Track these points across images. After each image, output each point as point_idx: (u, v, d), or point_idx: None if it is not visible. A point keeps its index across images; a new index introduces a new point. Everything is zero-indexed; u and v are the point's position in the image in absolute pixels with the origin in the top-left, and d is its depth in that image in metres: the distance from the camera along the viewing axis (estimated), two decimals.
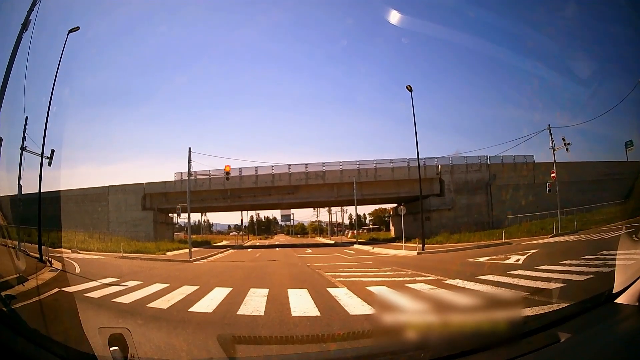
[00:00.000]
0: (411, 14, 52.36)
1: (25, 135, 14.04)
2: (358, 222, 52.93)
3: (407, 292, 7.34)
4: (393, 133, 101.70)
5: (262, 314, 5.72)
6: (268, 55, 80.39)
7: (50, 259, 12.79)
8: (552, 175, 24.13)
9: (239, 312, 5.87)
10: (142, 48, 72.09)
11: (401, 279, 9.41)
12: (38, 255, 12.56)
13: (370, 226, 73.39)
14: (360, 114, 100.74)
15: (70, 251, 20.16)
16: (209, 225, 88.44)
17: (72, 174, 70.70)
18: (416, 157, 22.00)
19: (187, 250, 21.01)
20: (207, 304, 6.57)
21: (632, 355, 1.82)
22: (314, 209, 68.34)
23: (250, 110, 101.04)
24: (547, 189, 23.84)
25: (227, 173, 22.31)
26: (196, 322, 5.37)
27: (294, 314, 5.72)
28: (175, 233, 43.63)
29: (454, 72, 67.62)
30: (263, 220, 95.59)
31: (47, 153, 14.41)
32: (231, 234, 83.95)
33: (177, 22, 67.71)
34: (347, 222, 77.05)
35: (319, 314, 5.65)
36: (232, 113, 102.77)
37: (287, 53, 79.09)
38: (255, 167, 33.52)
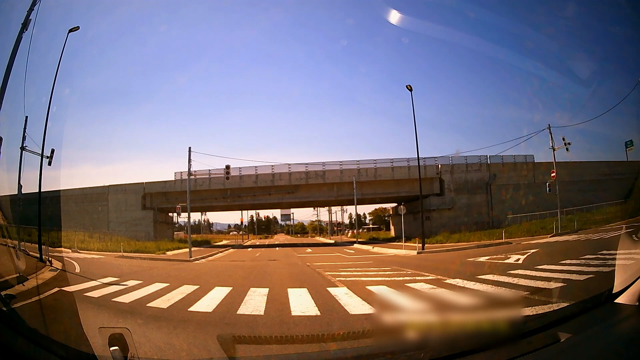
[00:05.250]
0: (411, 14, 52.28)
1: (25, 135, 14.07)
2: (358, 222, 52.95)
3: (407, 291, 7.34)
4: (393, 133, 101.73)
5: (262, 314, 5.72)
6: (268, 55, 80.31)
7: (50, 259, 12.79)
8: (552, 175, 24.13)
9: (239, 312, 5.88)
10: (142, 48, 71.98)
11: (401, 278, 9.41)
12: (38, 255, 12.56)
13: (370, 226, 73.42)
14: (360, 114, 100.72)
15: (70, 251, 20.18)
16: (209, 225, 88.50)
17: (72, 174, 70.78)
18: (416, 156, 22.02)
19: (187, 249, 21.02)
20: (207, 303, 6.57)
21: (632, 355, 1.82)
22: (314, 209, 68.41)
23: (251, 110, 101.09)
24: (547, 189, 23.85)
25: (227, 172, 22.35)
26: (196, 322, 5.37)
27: (294, 313, 5.72)
28: (175, 232, 43.67)
29: (454, 72, 67.55)
30: (263, 219, 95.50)
31: (47, 153, 14.43)
32: (231, 233, 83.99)
33: (177, 22, 67.58)
34: (347, 221, 77.15)
35: (319, 313, 5.65)
36: (232, 113, 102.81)
37: (287, 53, 78.98)
38: (255, 167, 33.57)
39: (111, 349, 2.20)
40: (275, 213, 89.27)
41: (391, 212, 47.50)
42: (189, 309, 6.14)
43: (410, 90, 21.73)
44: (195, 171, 23.61)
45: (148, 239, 30.27)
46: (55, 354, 2.00)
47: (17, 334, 1.99)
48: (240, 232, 65.84)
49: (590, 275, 7.14)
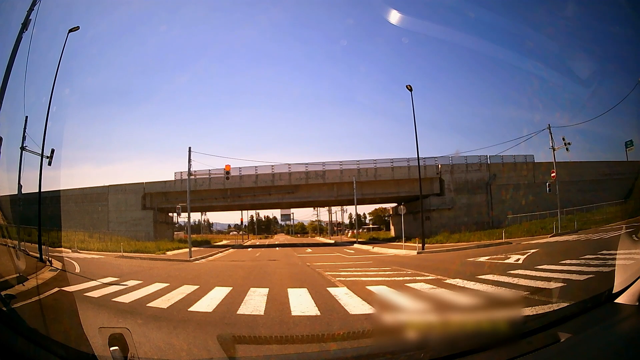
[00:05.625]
0: (411, 13, 52.27)
1: (25, 134, 14.06)
2: (358, 222, 52.94)
3: (407, 291, 7.34)
4: (393, 133, 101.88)
5: (262, 314, 5.72)
6: (268, 55, 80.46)
7: (50, 259, 12.78)
8: (552, 175, 24.13)
9: (239, 312, 5.88)
10: (142, 48, 72.18)
11: (401, 278, 9.41)
12: (38, 255, 12.56)
13: (370, 226, 73.40)
14: (360, 114, 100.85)
15: (70, 251, 20.18)
16: (209, 225, 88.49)
17: (72, 174, 70.72)
18: (416, 156, 22.03)
19: (187, 249, 21.02)
20: (207, 303, 6.58)
21: (632, 355, 1.82)
22: (314, 209, 68.41)
23: (251, 110, 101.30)
24: (547, 189, 23.85)
25: (227, 172, 22.32)
26: (196, 322, 5.37)
27: (294, 313, 5.72)
28: (175, 232, 43.67)
29: (454, 72, 67.67)
30: (263, 219, 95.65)
31: (47, 153, 14.42)
32: (231, 233, 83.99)
33: (177, 22, 67.67)
34: (347, 221, 77.15)
35: (318, 313, 5.65)
36: (232, 113, 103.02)
37: (287, 53, 79.20)
38: (255, 167, 33.58)
39: (111, 349, 2.20)
40: (275, 213, 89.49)
41: (391, 212, 47.49)
42: (189, 309, 6.14)
43: (410, 90, 21.75)
44: (195, 171, 23.61)
45: (148, 239, 30.27)
46: (55, 354, 2.00)
47: (17, 334, 1.99)
48: (240, 232, 65.84)
49: (590, 275, 7.14)
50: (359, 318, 5.29)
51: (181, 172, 31.56)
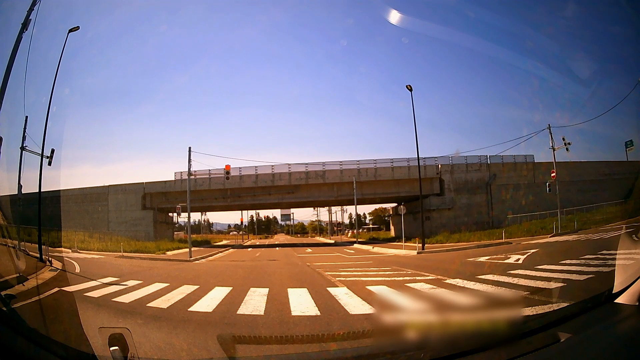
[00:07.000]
0: (411, 13, 52.26)
1: (25, 134, 14.07)
2: (358, 222, 52.92)
3: (407, 291, 7.34)
4: (393, 133, 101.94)
5: (262, 314, 5.72)
6: (268, 55, 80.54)
7: (50, 259, 12.79)
8: (552, 175, 24.14)
9: (239, 312, 5.87)
10: (142, 48, 72.21)
11: (401, 278, 9.41)
12: (38, 255, 12.57)
13: (370, 226, 73.37)
14: (360, 114, 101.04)
15: (70, 251, 20.18)
16: (209, 225, 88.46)
17: (72, 174, 70.87)
18: (416, 156, 22.03)
19: (187, 249, 21.01)
20: (207, 303, 6.58)
21: (632, 355, 1.82)
22: (314, 209, 68.39)
23: (250, 110, 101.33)
24: (547, 189, 23.85)
25: (227, 172, 22.33)
26: (196, 322, 5.37)
27: (294, 313, 5.71)
28: (175, 232, 43.67)
29: (454, 72, 67.75)
30: (263, 219, 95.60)
31: (47, 153, 14.43)
32: (231, 233, 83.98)
33: (177, 22, 67.72)
34: (347, 221, 77.15)
35: (319, 313, 5.65)
36: (232, 113, 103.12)
37: (287, 53, 79.24)
38: (255, 167, 33.57)
39: (111, 349, 2.20)
40: (275, 213, 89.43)
41: (391, 212, 47.49)
42: (189, 309, 6.14)
43: (410, 90, 21.74)
44: (195, 171, 23.61)
45: (148, 239, 30.27)
46: (55, 354, 2.00)
47: (17, 334, 1.99)
48: (240, 232, 65.83)
49: (590, 275, 7.14)
50: (359, 318, 5.29)
51: (181, 172, 31.59)
